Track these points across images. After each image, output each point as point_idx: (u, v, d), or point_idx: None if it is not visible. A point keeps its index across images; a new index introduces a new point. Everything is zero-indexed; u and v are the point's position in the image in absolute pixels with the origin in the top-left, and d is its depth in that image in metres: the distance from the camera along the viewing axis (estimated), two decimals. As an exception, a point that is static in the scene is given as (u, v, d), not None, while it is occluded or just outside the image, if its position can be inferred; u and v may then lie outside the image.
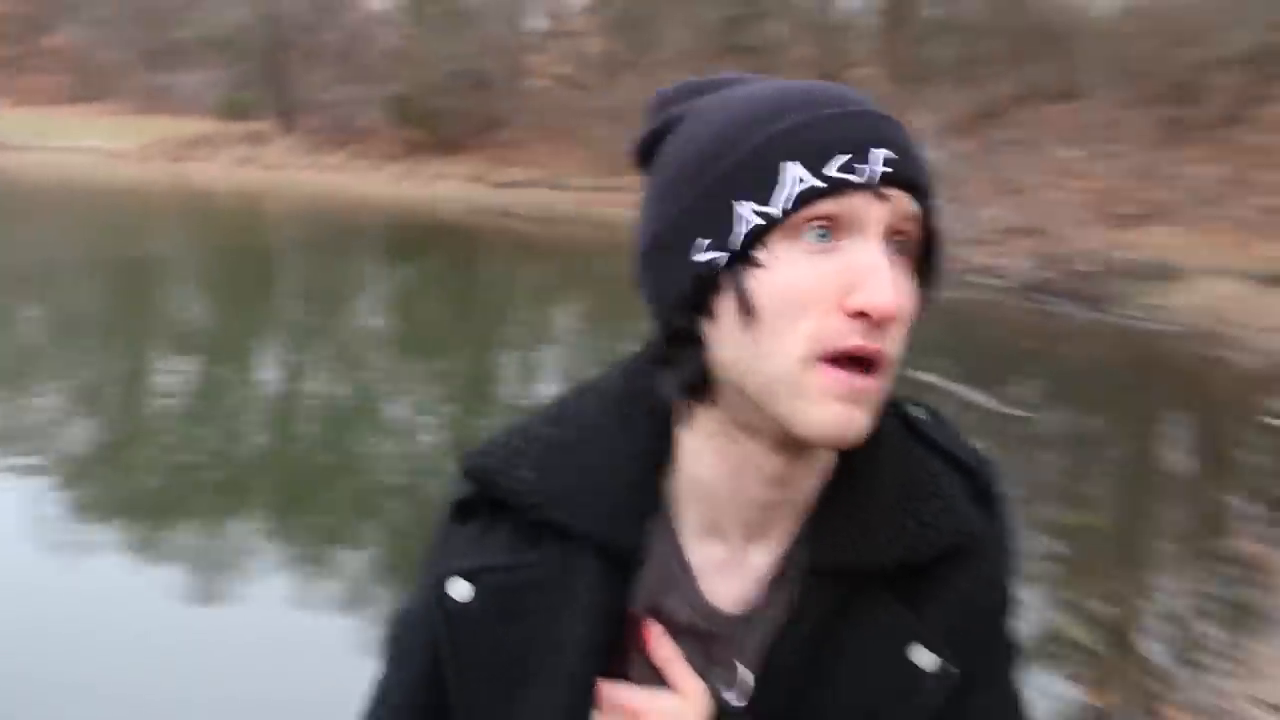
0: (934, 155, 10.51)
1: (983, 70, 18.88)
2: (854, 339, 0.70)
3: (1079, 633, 4.44)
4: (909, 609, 0.77)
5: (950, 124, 16.22)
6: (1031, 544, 5.16)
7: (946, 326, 8.77)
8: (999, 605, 0.81)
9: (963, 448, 0.83)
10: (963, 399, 7.75)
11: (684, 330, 0.75)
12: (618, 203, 20.42)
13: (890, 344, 0.72)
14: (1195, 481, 6.94)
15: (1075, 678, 4.08)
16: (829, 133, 0.71)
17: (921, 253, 0.75)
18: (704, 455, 0.78)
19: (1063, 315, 12.03)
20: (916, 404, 0.84)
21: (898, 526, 0.77)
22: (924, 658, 0.76)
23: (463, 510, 0.83)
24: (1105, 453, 7.61)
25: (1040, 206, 14.20)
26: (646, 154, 0.79)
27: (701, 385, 0.76)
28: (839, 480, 0.79)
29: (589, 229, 19.35)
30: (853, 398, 0.71)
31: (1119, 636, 4.52)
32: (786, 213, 0.70)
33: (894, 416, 0.80)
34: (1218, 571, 5.31)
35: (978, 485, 0.82)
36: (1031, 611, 4.45)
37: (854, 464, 0.79)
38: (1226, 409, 8.81)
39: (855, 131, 0.71)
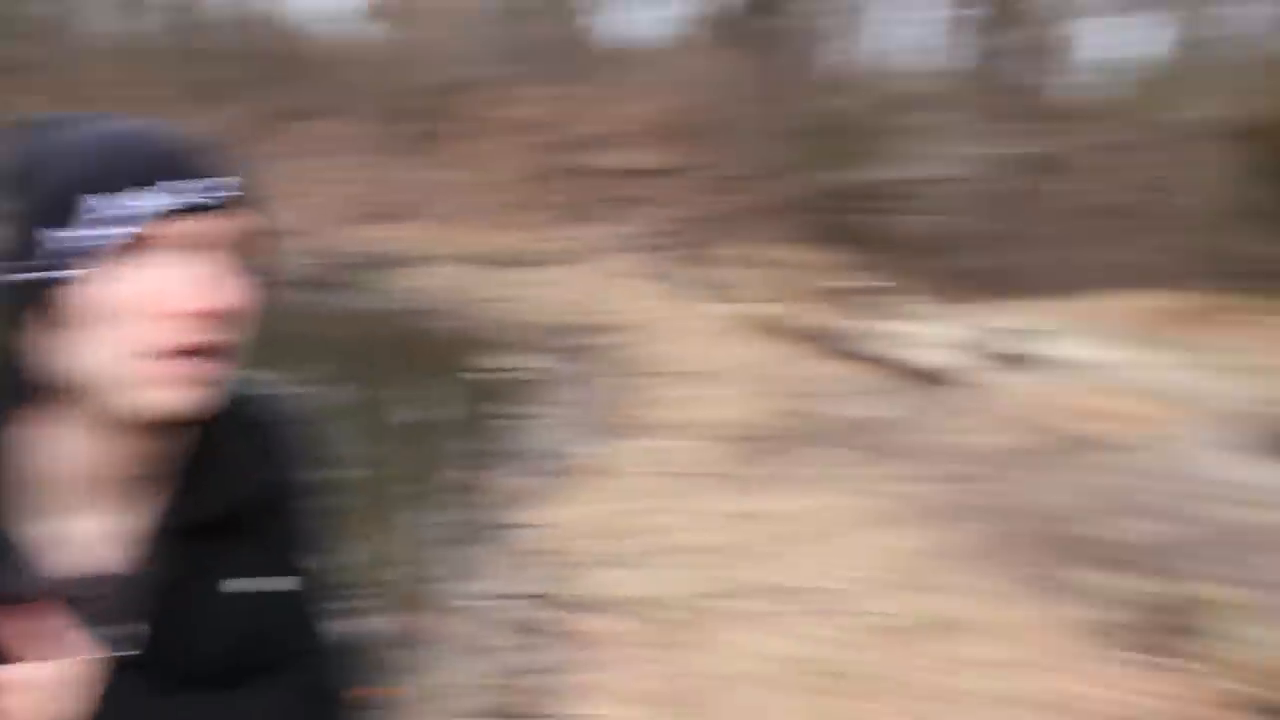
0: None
1: (256, 92, 19.05)
2: (184, 336, 0.81)
3: (359, 569, 4.79)
4: (252, 546, 0.91)
5: (232, 140, 16.11)
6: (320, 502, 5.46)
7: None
8: (310, 534, 0.98)
9: (274, 413, 0.98)
10: (259, 382, 7.80)
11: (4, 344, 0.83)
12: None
13: (221, 334, 0.83)
14: (432, 430, 7.86)
15: (357, 609, 4.35)
16: (134, 165, 0.80)
17: (252, 255, 0.87)
18: (60, 445, 0.85)
19: (328, 303, 12.64)
20: (250, 380, 0.95)
21: (226, 484, 0.90)
22: (282, 580, 0.92)
23: None
24: (368, 416, 8.21)
25: (307, 210, 14.99)
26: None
27: (31, 388, 0.83)
28: (192, 450, 0.89)
29: None
30: (187, 382, 0.82)
31: (388, 566, 5.07)
32: (102, 238, 0.79)
33: (235, 393, 0.90)
34: (449, 500, 6.16)
35: (286, 443, 0.97)
36: (322, 556, 4.74)
37: (203, 436, 0.89)
38: (448, 368, 10.01)
39: (161, 163, 0.81)
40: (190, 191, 0.81)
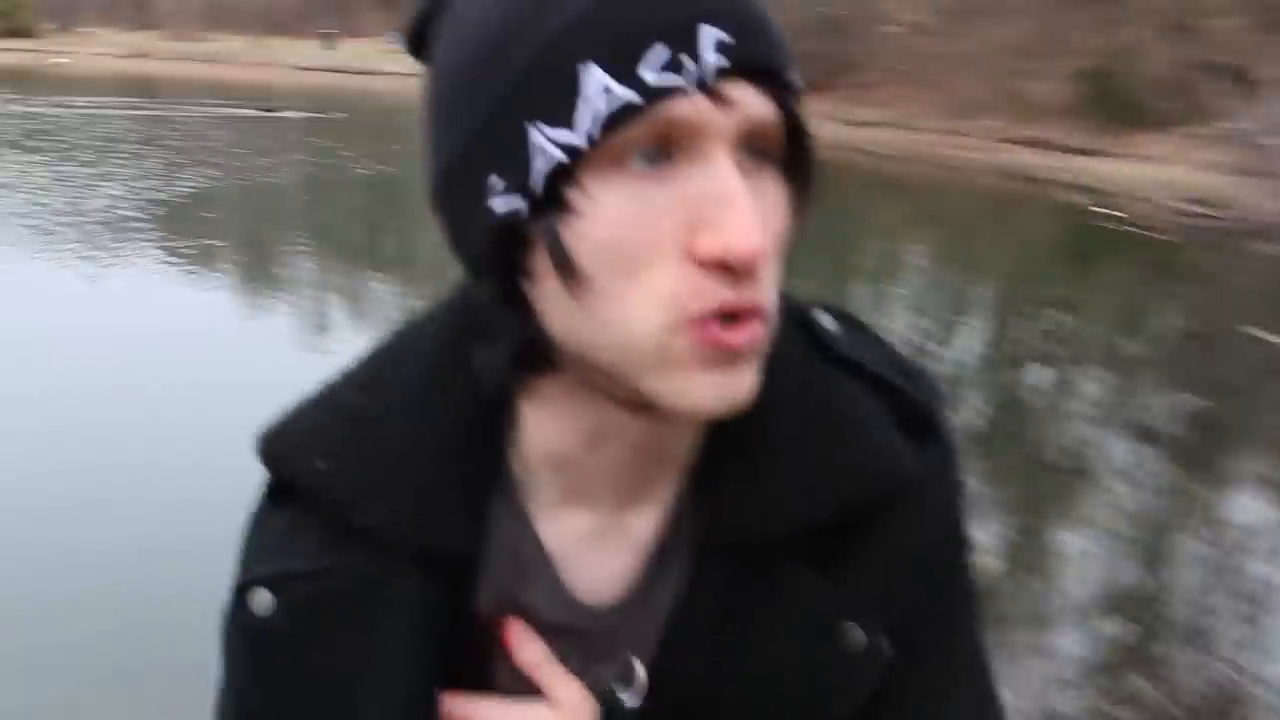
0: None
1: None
2: (718, 294, 0.50)
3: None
4: (829, 577, 0.58)
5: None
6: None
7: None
8: (946, 558, 0.61)
9: (887, 362, 0.62)
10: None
11: (496, 294, 0.54)
12: (965, 145, 20.82)
13: (765, 289, 0.52)
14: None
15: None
16: (636, 13, 0.48)
17: (787, 150, 0.53)
18: (550, 424, 0.59)
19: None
20: (822, 308, 0.62)
21: (805, 479, 0.58)
22: (851, 635, 0.58)
23: (273, 499, 0.61)
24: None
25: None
26: (422, 41, 0.56)
27: (532, 355, 0.55)
28: (727, 427, 0.58)
29: (937, 169, 19.30)
30: (730, 360, 0.52)
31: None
32: (594, 140, 0.48)
33: (795, 331, 0.59)
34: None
35: (909, 409, 0.60)
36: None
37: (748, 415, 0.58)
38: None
39: (672, 7, 0.49)
40: (720, 51, 0.48)
